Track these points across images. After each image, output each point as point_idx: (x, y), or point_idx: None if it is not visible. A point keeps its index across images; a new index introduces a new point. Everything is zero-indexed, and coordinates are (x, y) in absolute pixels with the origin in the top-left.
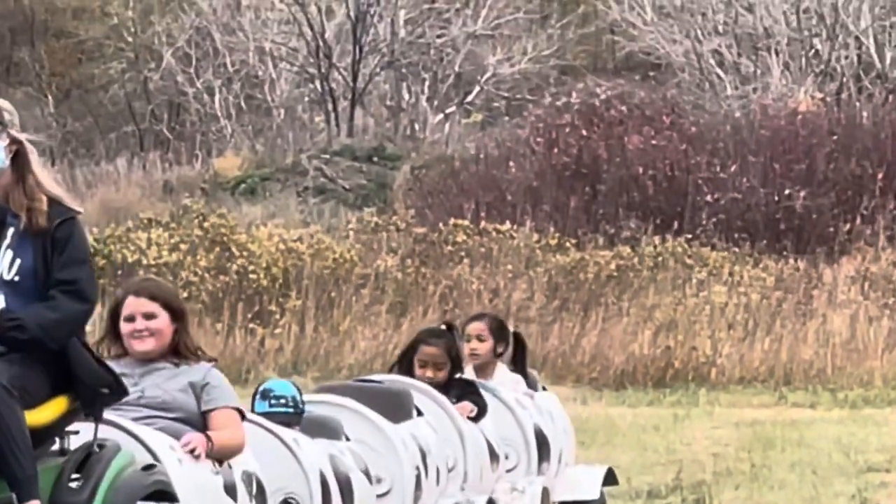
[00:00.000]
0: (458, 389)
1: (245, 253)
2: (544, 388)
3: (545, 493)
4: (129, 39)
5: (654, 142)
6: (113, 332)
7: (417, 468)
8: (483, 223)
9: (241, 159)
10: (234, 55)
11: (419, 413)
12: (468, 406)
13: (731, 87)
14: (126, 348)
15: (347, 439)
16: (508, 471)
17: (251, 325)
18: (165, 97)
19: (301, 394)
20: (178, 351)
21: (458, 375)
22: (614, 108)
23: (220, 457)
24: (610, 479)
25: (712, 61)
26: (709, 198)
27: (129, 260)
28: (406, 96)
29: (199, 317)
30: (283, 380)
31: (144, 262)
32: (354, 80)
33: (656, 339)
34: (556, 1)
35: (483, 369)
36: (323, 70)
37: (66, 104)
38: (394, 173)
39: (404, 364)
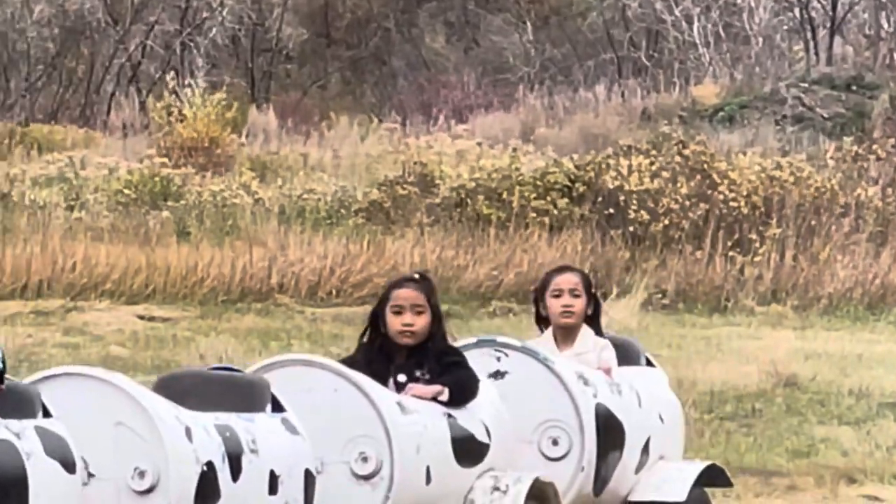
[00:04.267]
0: (435, 361)
1: (726, 181)
2: (650, 363)
3: (545, 488)
4: None
5: None
6: None
7: (208, 465)
8: None
9: (720, 87)
10: None
11: (278, 409)
12: (432, 389)
13: None
14: None
15: (47, 415)
16: (558, 459)
17: (731, 253)
18: (644, 24)
19: (4, 359)
20: None
21: (449, 342)
22: None
23: None
24: (718, 479)
25: None
26: None
27: (611, 186)
28: (885, 25)
29: (680, 244)
30: None
31: (626, 188)
32: (833, 8)
33: None
34: None
35: (568, 333)
36: None
37: (545, 31)
38: (872, 102)
39: (376, 324)
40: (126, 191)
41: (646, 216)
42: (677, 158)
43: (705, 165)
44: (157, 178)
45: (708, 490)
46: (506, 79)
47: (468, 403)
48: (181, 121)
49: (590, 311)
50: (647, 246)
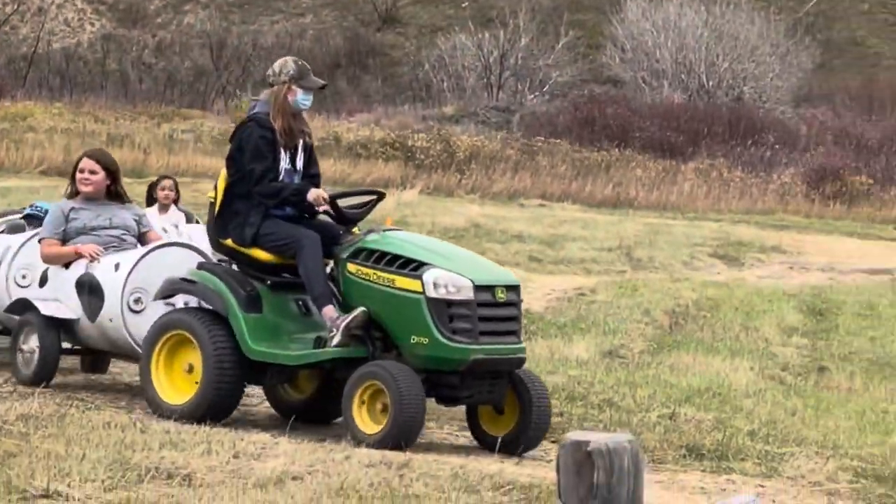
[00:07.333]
0: None
1: (459, 146)
2: (198, 222)
3: None
4: None
5: None
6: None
7: None
8: None
9: (454, 106)
10: None
11: None
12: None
13: None
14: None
15: None
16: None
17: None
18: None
19: None
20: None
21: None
22: None
23: None
24: None
25: None
26: None
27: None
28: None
29: (438, 170)
30: None
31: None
32: (501, 67)
33: None
34: None
35: (165, 208)
36: None
37: None
38: (512, 116)
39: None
40: None
41: (422, 157)
42: (442, 142)
43: (449, 141)
44: None
45: None
46: None
47: None
48: None
49: (176, 198)
50: (421, 169)
